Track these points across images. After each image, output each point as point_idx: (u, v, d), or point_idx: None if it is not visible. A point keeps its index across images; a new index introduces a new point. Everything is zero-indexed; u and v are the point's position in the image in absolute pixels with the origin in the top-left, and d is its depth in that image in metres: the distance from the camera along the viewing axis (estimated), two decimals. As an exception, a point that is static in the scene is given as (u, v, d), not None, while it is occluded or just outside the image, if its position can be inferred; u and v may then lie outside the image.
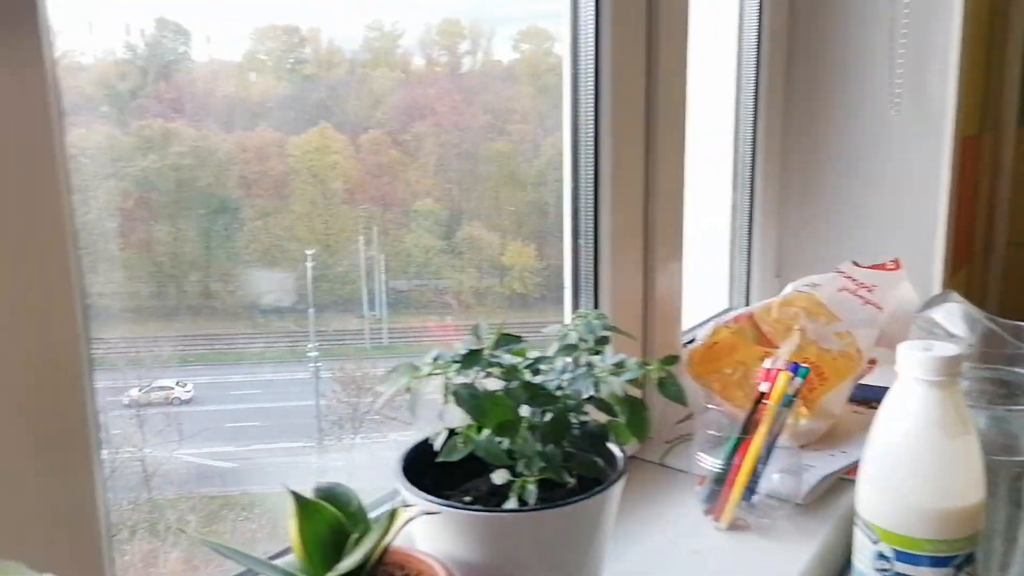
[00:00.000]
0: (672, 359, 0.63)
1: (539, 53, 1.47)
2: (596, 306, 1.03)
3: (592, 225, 1.03)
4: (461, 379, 0.59)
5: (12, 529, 0.48)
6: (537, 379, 0.63)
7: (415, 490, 0.61)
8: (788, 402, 0.88)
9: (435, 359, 0.61)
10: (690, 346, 1.13)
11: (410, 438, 0.67)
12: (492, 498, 0.62)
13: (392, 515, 0.54)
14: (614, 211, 1.02)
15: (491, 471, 0.62)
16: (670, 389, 0.62)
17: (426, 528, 0.60)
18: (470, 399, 0.58)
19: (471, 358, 0.60)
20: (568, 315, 1.07)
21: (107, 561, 0.53)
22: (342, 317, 1.81)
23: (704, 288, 1.54)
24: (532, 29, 1.39)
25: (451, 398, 0.59)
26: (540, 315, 1.28)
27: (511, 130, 1.62)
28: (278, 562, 0.54)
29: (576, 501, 0.59)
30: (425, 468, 0.64)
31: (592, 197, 1.03)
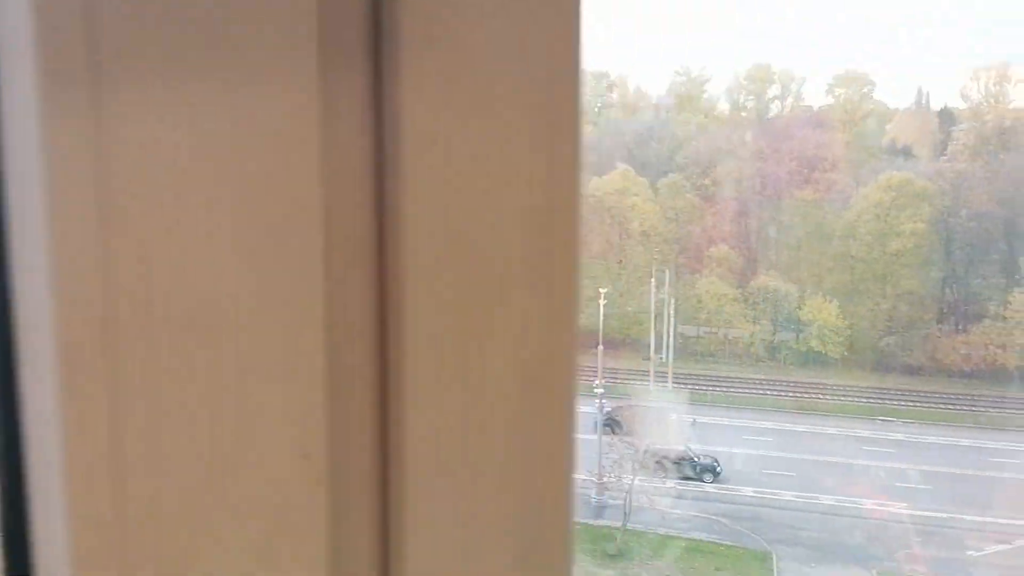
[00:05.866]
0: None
1: (855, 99, 1.39)
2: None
3: None
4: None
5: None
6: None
7: None
8: None
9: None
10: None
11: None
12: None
13: None
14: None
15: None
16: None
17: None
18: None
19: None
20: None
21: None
22: (630, 356, 1.82)
23: None
24: (850, 74, 1.32)
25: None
26: (840, 377, 1.19)
27: (818, 179, 1.56)
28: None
29: None
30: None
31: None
